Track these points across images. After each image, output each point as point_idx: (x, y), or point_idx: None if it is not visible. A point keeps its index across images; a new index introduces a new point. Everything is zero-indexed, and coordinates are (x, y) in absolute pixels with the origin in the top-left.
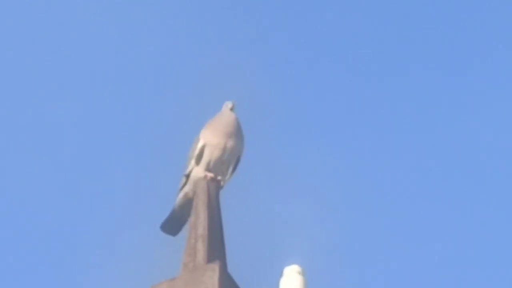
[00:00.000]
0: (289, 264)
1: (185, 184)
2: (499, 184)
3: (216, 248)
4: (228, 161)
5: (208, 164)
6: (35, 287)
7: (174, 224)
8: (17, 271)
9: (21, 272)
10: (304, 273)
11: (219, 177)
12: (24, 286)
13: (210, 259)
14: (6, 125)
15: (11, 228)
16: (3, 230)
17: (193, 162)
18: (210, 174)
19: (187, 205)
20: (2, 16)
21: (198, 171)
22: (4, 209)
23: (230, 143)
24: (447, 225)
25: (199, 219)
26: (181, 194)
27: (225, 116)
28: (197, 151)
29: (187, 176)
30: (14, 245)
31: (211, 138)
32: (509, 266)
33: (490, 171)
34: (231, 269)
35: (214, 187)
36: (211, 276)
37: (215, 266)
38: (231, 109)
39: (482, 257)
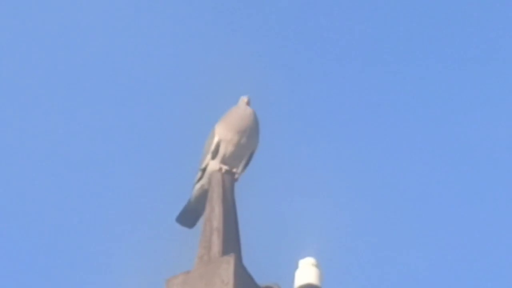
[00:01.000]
0: (304, 257)
1: (201, 178)
2: (506, 180)
3: (231, 241)
4: (242, 155)
5: (223, 157)
6: (52, 281)
7: (190, 216)
8: (33, 266)
9: (36, 267)
10: (319, 265)
11: (234, 170)
12: (40, 280)
13: (225, 251)
14: (24, 124)
15: (25, 221)
16: (20, 223)
17: (209, 157)
18: (225, 167)
19: (203, 196)
20: (12, 18)
21: (214, 165)
22: (22, 203)
23: (244, 139)
24: (454, 217)
25: (214, 212)
26: (197, 186)
27: (241, 111)
28: (213, 147)
29: (203, 170)
30: (28, 240)
31: (225, 133)
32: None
33: (499, 167)
34: (246, 261)
35: (229, 180)
36: (226, 269)
37: (230, 259)
38: (247, 104)
39: (497, 253)
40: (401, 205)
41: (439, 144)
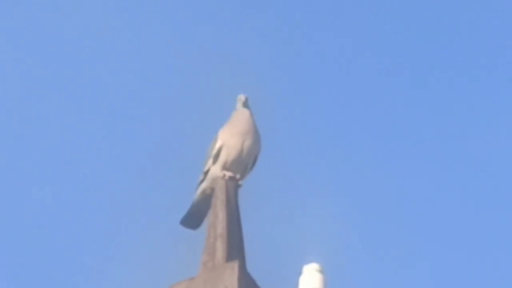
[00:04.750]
0: (308, 262)
1: (202, 180)
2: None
3: (235, 247)
4: (246, 161)
5: (225, 163)
6: (56, 285)
7: (194, 218)
8: (40, 269)
9: (42, 271)
10: (323, 271)
11: (237, 176)
12: (43, 284)
13: (229, 258)
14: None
15: (30, 227)
16: (28, 230)
17: (210, 161)
18: (229, 173)
19: (205, 201)
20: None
21: (215, 170)
22: (30, 209)
23: (247, 143)
24: (457, 226)
25: (218, 218)
26: (198, 191)
27: (241, 115)
28: (214, 151)
29: (205, 173)
30: (31, 242)
31: (228, 139)
32: None
33: (501, 176)
34: (250, 267)
35: (233, 186)
36: (231, 275)
37: (234, 265)
38: (245, 103)
39: (503, 260)
40: (405, 213)
41: (441, 153)
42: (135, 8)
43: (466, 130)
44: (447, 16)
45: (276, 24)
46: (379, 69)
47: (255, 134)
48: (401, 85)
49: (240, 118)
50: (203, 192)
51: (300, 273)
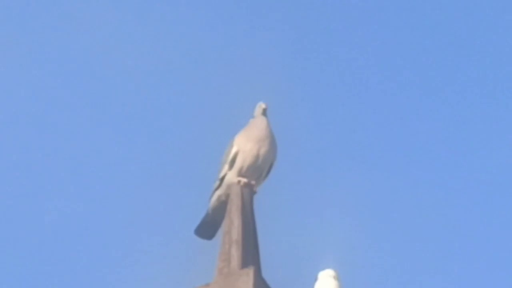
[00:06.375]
0: (323, 269)
1: (218, 187)
2: None
3: (250, 253)
4: (262, 167)
5: (240, 169)
6: None
7: (208, 228)
8: (58, 278)
9: (58, 279)
10: (338, 277)
11: (253, 182)
12: None
13: (244, 264)
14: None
15: (54, 241)
16: (49, 243)
17: (226, 166)
18: (244, 180)
19: (220, 208)
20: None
21: (231, 176)
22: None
23: (263, 150)
24: (472, 236)
25: (233, 224)
26: (214, 198)
27: (258, 122)
28: (230, 157)
29: (221, 179)
30: (54, 255)
31: (244, 145)
32: None
33: None
34: (265, 274)
35: (248, 193)
36: (246, 281)
37: (250, 271)
38: (264, 110)
39: None
40: (421, 221)
41: (459, 162)
42: (153, 14)
43: (484, 140)
44: (461, 18)
45: (295, 31)
46: (405, 81)
47: (272, 142)
48: (423, 98)
49: (257, 125)
50: (218, 199)
51: (315, 279)
